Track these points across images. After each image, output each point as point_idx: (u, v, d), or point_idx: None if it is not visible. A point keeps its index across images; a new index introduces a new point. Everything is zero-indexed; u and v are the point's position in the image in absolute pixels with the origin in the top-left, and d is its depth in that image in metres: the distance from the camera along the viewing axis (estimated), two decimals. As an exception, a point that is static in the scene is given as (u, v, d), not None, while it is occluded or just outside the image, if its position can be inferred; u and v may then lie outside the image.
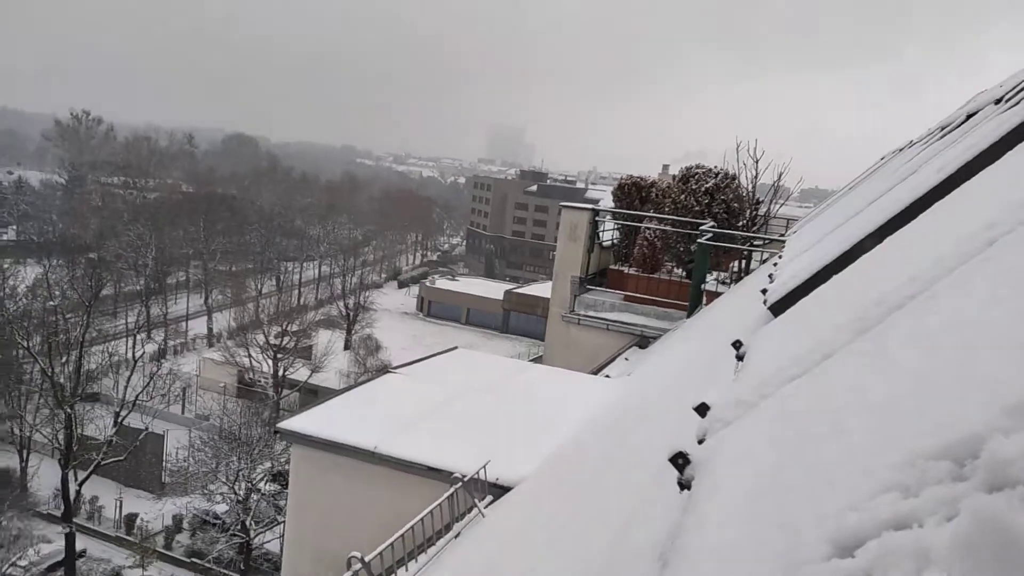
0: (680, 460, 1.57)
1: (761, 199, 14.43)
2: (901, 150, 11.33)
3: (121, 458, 33.37)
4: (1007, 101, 4.62)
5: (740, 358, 2.85)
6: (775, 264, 6.69)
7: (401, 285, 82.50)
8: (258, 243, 72.94)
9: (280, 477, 29.51)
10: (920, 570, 0.63)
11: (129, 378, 36.43)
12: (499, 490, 6.09)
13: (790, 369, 1.83)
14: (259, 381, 44.58)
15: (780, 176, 14.78)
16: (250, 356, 44.48)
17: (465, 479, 5.65)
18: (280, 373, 43.98)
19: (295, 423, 7.30)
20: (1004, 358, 0.90)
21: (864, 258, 2.83)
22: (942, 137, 5.86)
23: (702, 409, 1.97)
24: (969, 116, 5.45)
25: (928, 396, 0.96)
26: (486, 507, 5.87)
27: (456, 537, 5.58)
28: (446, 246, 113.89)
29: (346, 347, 53.90)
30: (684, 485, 1.55)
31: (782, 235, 12.51)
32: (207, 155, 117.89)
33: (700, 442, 1.77)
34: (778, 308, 3.66)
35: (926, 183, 3.53)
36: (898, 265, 2.06)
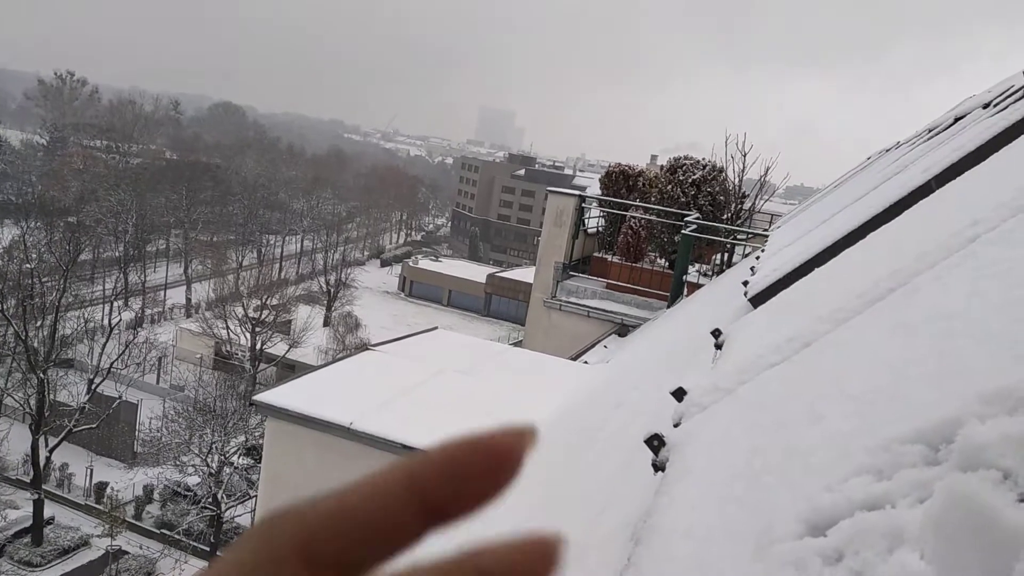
0: (655, 442, 1.57)
1: (747, 193, 14.49)
2: (888, 150, 11.41)
3: (93, 426, 33.08)
4: (995, 106, 4.66)
5: (719, 347, 2.86)
6: (757, 258, 6.72)
7: (384, 264, 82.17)
8: (240, 214, 72.21)
9: (254, 451, 29.43)
10: (892, 549, 0.64)
11: (104, 345, 36.05)
12: (474, 471, 6.11)
13: (769, 357, 1.84)
14: (236, 354, 44.31)
15: (767, 171, 14.84)
16: (228, 328, 44.17)
17: (439, 458, 5.66)
18: (258, 347, 43.73)
19: (271, 396, 7.27)
20: (982, 348, 0.90)
21: (846, 253, 2.84)
22: (929, 139, 5.91)
23: (679, 394, 1.97)
24: (957, 119, 5.49)
25: (905, 384, 0.96)
26: (460, 487, 5.88)
27: (428, 516, 5.59)
28: (431, 226, 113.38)
29: (326, 324, 53.70)
30: (659, 467, 1.56)
31: (766, 230, 12.58)
32: (192, 122, 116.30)
33: (676, 426, 1.78)
34: (759, 300, 3.67)
35: (911, 182, 3.55)
36: (881, 260, 2.07)
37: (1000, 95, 4.73)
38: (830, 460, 0.89)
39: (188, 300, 58.67)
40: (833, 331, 1.62)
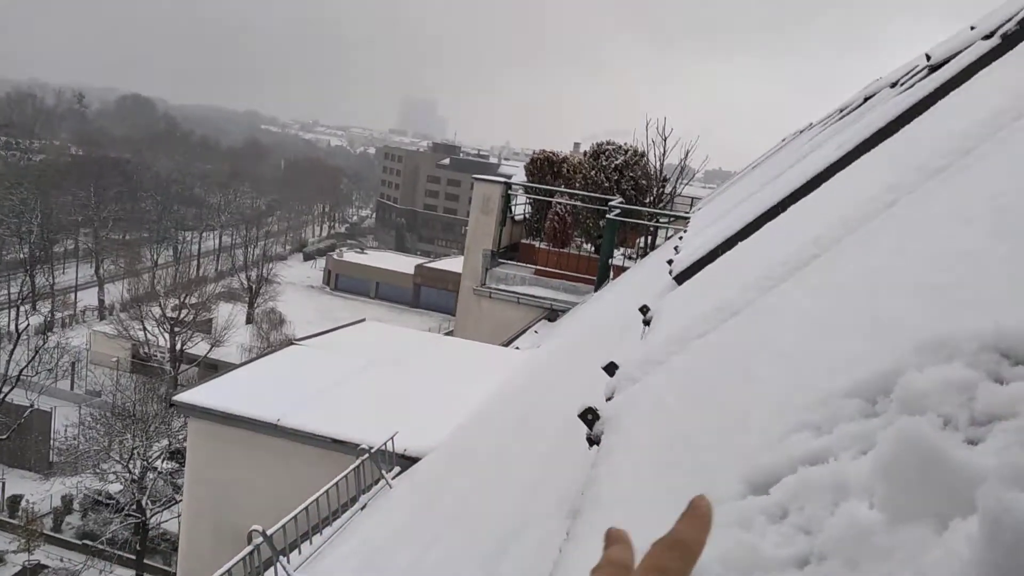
0: (590, 416, 1.55)
1: (667, 177, 14.75)
2: (802, 132, 11.78)
3: (3, 437, 31.35)
4: (902, 85, 4.84)
5: (647, 322, 2.87)
6: (680, 238, 6.84)
7: (307, 257, 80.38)
8: (154, 211, 69.37)
9: (178, 455, 28.43)
10: (838, 501, 0.62)
11: (12, 352, 34.15)
12: (407, 461, 6.03)
13: (697, 327, 1.84)
14: (155, 356, 42.70)
15: (687, 154, 15.13)
16: (145, 329, 42.51)
17: (372, 450, 5.56)
18: (178, 347, 42.25)
19: (193, 395, 7.00)
20: (913, 302, 0.90)
21: (769, 226, 2.89)
22: (841, 118, 6.10)
23: (611, 368, 1.96)
24: (866, 99, 5.68)
25: (837, 340, 0.96)
26: (394, 478, 5.80)
27: (363, 509, 5.49)
28: (355, 218, 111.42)
29: (248, 321, 52.30)
30: (593, 441, 1.54)
31: (687, 213, 12.84)
32: (99, 116, 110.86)
33: (609, 400, 1.76)
34: (683, 277, 3.72)
35: (827, 158, 3.65)
36: (803, 229, 2.10)
37: (906, 75, 4.91)
38: (767, 419, 0.87)
39: (101, 302, 56.13)
40: (760, 298, 1.62)
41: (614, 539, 0.50)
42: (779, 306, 1.39)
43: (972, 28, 4.69)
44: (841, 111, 7.01)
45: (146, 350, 42.81)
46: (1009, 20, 3.32)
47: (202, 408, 6.79)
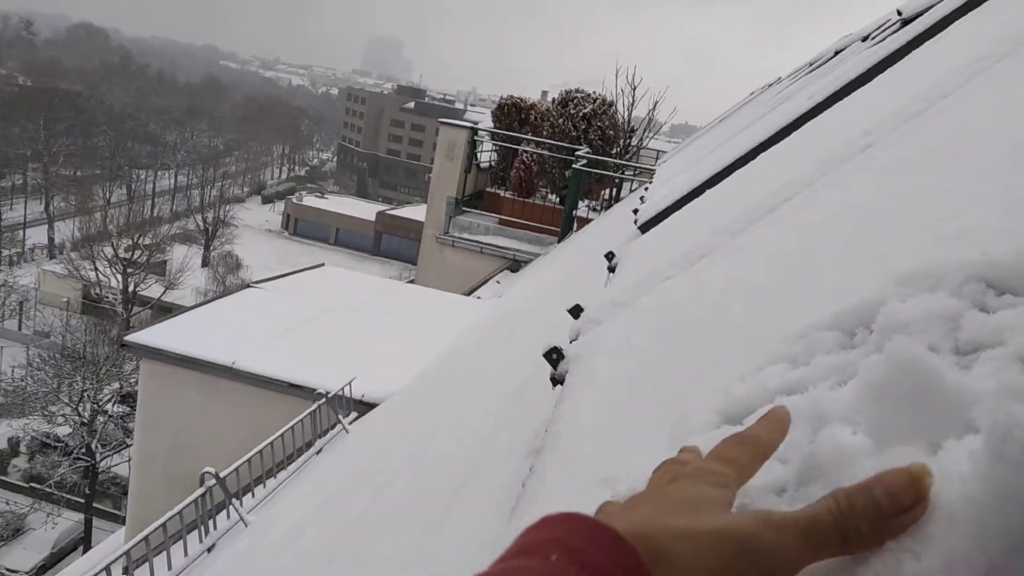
0: (554, 355, 1.53)
1: (635, 128, 14.68)
2: (770, 86, 11.77)
3: (-54, 375, 30.60)
4: (873, 39, 4.83)
5: (612, 269, 2.86)
6: (646, 189, 6.82)
7: (265, 201, 78.76)
8: (107, 147, 67.04)
9: (129, 398, 28.05)
10: (817, 430, 0.60)
11: (-45, 289, 33.07)
12: (365, 407, 6.02)
13: (665, 271, 1.82)
14: (107, 297, 41.80)
15: (655, 105, 15.05)
16: (97, 270, 41.50)
17: (329, 395, 5.53)
18: (130, 289, 41.38)
19: (145, 336, 6.86)
20: (893, 235, 0.88)
21: (738, 173, 2.87)
22: (811, 72, 6.09)
23: (576, 311, 1.93)
24: (837, 52, 5.67)
25: (814, 274, 0.93)
26: (351, 423, 5.79)
27: (318, 453, 5.48)
28: (315, 161, 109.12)
29: (204, 264, 51.36)
30: (558, 380, 1.51)
31: (653, 166, 12.82)
32: (48, 45, 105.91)
33: (573, 341, 1.74)
34: (649, 226, 3.70)
35: (798, 108, 3.63)
36: (774, 174, 2.08)
37: (877, 29, 4.90)
38: (741, 352, 0.85)
39: (51, 240, 54.48)
40: (731, 240, 1.60)
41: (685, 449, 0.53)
42: (752, 246, 1.36)
43: (944, -15, 4.68)
44: (811, 65, 7.00)
45: (97, 291, 41.88)
46: (984, -25, 3.31)
47: (155, 349, 6.67)
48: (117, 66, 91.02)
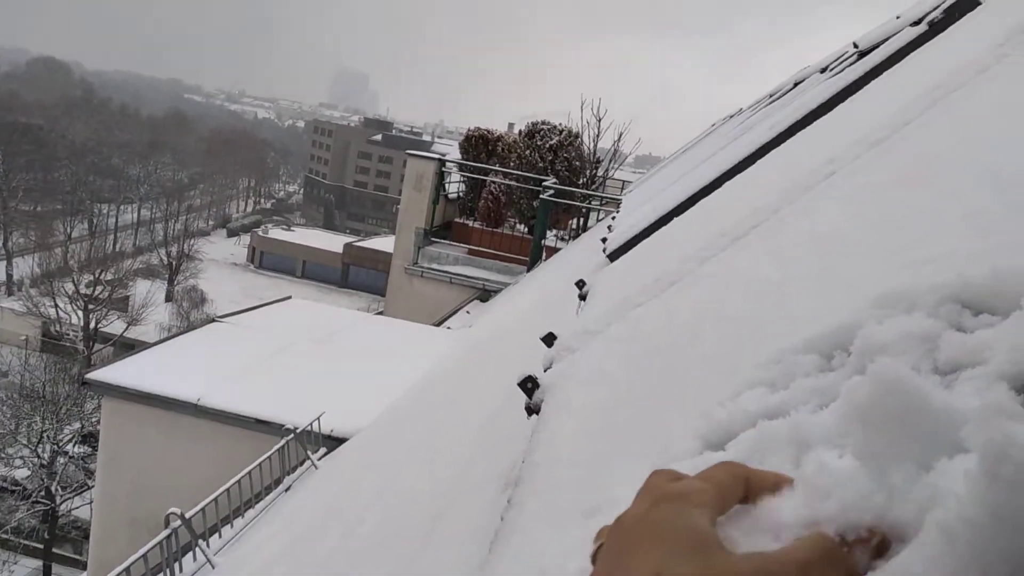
0: (529, 384, 1.51)
1: (601, 159, 14.85)
2: (731, 117, 12.01)
3: None
4: (832, 70, 4.96)
5: (583, 297, 2.86)
6: (613, 218, 6.88)
7: (231, 234, 77.93)
8: (68, 181, 65.97)
9: (91, 438, 27.28)
10: (800, 454, 0.59)
11: (-93, 328, 32.05)
12: (334, 442, 5.92)
13: (636, 298, 1.82)
14: (67, 334, 40.83)
15: (620, 136, 15.26)
16: (57, 307, 40.58)
17: (297, 431, 5.43)
18: (92, 326, 40.49)
19: (107, 373, 6.70)
20: (864, 261, 0.89)
21: (704, 201, 2.91)
22: (772, 103, 6.23)
23: (549, 339, 1.92)
24: (796, 84, 5.81)
25: (787, 300, 0.94)
26: (319, 459, 5.68)
27: (287, 491, 5.36)
28: (282, 194, 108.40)
29: (168, 299, 50.52)
30: (533, 410, 1.50)
31: (619, 196, 12.96)
32: (8, 79, 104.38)
33: (547, 370, 1.72)
34: (618, 254, 3.72)
35: (760, 139, 3.70)
36: (741, 202, 2.11)
37: (836, 61, 5.03)
38: (716, 377, 0.84)
39: (9, 276, 53.21)
40: (700, 267, 1.61)
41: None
42: (722, 273, 1.37)
43: (898, 17, 4.84)
44: (771, 96, 7.16)
45: (57, 328, 40.90)
46: (935, 8, 3.42)
47: (117, 386, 6.51)
48: (79, 100, 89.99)
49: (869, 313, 0.72)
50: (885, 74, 2.79)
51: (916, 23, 3.54)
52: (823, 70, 5.13)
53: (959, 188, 0.89)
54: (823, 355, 0.76)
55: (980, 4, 3.13)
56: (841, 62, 4.71)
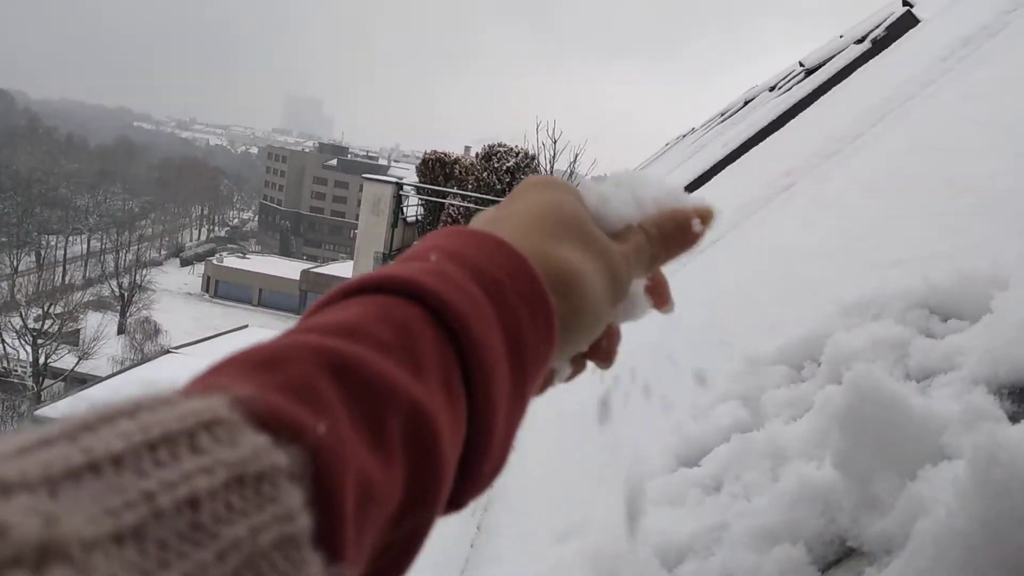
0: (495, 406, 1.49)
1: (558, 180, 14.97)
2: (684, 136, 12.21)
3: None
4: (780, 88, 5.07)
5: (547, 316, 2.85)
6: (573, 238, 6.91)
7: (184, 263, 76.39)
8: (13, 213, 64.10)
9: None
10: (776, 467, 0.58)
11: None
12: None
13: (601, 315, 1.82)
14: (15, 371, 39.47)
15: (576, 158, 15.40)
16: (3, 342, 39.25)
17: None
18: (41, 361, 39.23)
19: (58, 409, 6.48)
20: (828, 268, 0.89)
21: (663, 218, 2.93)
22: (723, 121, 6.34)
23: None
24: (747, 102, 5.92)
25: (753, 311, 0.93)
26: (281, 488, 5.57)
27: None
28: (236, 221, 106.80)
29: (120, 331, 49.22)
30: (500, 431, 1.47)
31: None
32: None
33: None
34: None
35: (714, 157, 3.75)
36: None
37: (783, 79, 5.15)
38: (689, 392, 0.83)
39: (-50, 312, 51.36)
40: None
41: None
42: (686, 287, 1.37)
43: (841, 36, 4.98)
44: (722, 115, 7.29)
45: (4, 365, 39.53)
46: (877, 27, 3.53)
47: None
48: (23, 129, 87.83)
49: (837, 321, 0.72)
50: (833, 90, 2.86)
51: (860, 41, 3.64)
52: (772, 88, 5.25)
53: (916, 195, 0.90)
54: (792, 366, 0.76)
55: (920, 22, 3.23)
56: (789, 80, 4.82)
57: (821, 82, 3.29)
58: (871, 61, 3.02)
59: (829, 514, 0.45)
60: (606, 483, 0.72)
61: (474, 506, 1.39)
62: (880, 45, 3.26)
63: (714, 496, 0.61)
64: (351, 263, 12.73)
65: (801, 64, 4.98)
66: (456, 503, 0.35)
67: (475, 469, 0.34)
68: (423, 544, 0.32)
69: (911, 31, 3.06)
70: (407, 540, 0.32)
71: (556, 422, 1.15)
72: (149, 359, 7.82)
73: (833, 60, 3.71)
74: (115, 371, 7.70)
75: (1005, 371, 0.48)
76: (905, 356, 0.59)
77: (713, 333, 0.98)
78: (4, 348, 39.21)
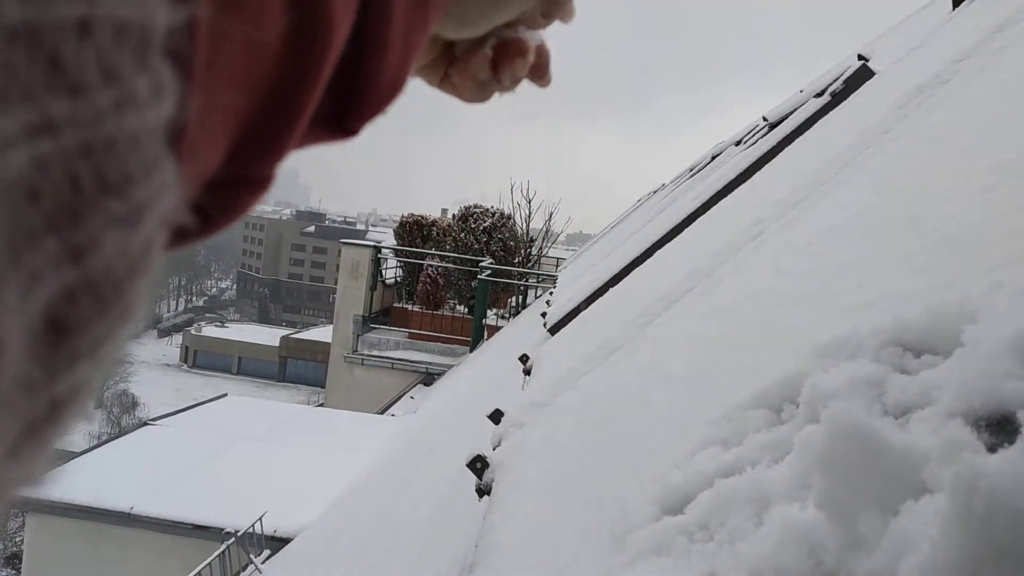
0: (479, 464, 1.46)
1: (534, 238, 15.11)
2: (655, 192, 12.42)
3: None
4: (746, 143, 5.21)
5: (528, 372, 2.83)
6: (551, 294, 6.94)
7: (162, 334, 75.57)
8: (-15, 291, 63.42)
9: (15, 560, 25.40)
10: (761, 511, 0.57)
11: None
12: (278, 543, 5.65)
13: (581, 368, 1.81)
14: (-15, 450, 38.47)
15: (551, 216, 15.59)
16: (-27, 421, 38.38)
17: (238, 534, 5.18)
18: (13, 439, 38.34)
19: (31, 487, 6.29)
20: (802, 312, 0.90)
21: (638, 271, 2.96)
22: (692, 176, 6.48)
23: (496, 416, 1.88)
24: (714, 157, 6.06)
25: (732, 356, 0.94)
26: (263, 562, 5.40)
27: (228, 599, 5.06)
28: (214, 290, 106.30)
29: (97, 405, 48.31)
30: (484, 491, 1.45)
31: (554, 272, 13.14)
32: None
33: (496, 448, 1.68)
34: (559, 327, 3.73)
35: (685, 210, 3.82)
36: (674, 268, 2.15)
37: (748, 134, 5.29)
38: (670, 440, 0.83)
39: (-82, 393, 50.16)
40: (642, 332, 1.62)
41: None
42: (664, 335, 1.37)
43: (801, 91, 5.15)
44: (691, 170, 7.46)
45: (-26, 445, 38.55)
46: (835, 80, 3.66)
47: (41, 501, 6.10)
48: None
49: (813, 363, 0.72)
50: (796, 142, 2.94)
51: (819, 94, 3.77)
52: (738, 143, 5.38)
53: (882, 237, 0.92)
54: (772, 408, 0.76)
55: (875, 74, 3.35)
56: (754, 134, 4.95)
57: (785, 135, 3.38)
58: (831, 113, 3.11)
59: (816, 556, 0.44)
60: (591, 537, 0.71)
61: (459, 568, 1.36)
62: (839, 97, 3.37)
63: (700, 544, 0.60)
64: (330, 327, 12.65)
65: (765, 119, 5.12)
66: (344, 120, 0.29)
67: (369, 70, 0.27)
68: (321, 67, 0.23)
69: (868, 83, 3.16)
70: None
71: (541, 478, 1.13)
72: (126, 432, 7.65)
73: (795, 113, 3.82)
74: (91, 446, 7.49)
75: (980, 403, 0.48)
76: (882, 393, 0.59)
77: (693, 380, 0.98)
78: (-26, 428, 38.27)
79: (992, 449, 0.40)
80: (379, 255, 12.27)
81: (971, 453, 0.38)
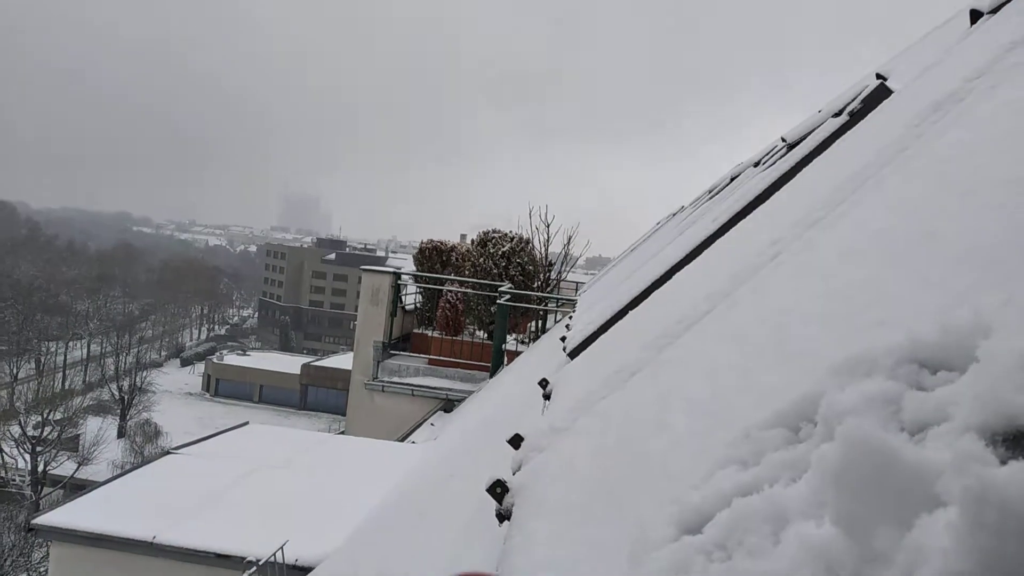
0: (499, 489, 1.46)
1: (553, 262, 15.12)
2: (675, 214, 12.41)
3: None
4: (764, 164, 5.21)
5: (547, 396, 2.83)
6: (570, 317, 6.93)
7: (185, 363, 76.20)
8: (14, 321, 64.40)
9: (38, 590, 25.48)
10: (778, 530, 0.57)
11: None
12: (300, 572, 5.64)
13: (600, 391, 1.81)
14: (13, 480, 38.79)
15: (569, 240, 15.60)
16: (2, 451, 38.73)
17: (260, 563, 5.17)
18: (40, 468, 38.61)
19: (55, 517, 6.33)
20: (818, 331, 0.90)
21: (656, 293, 2.95)
22: (712, 197, 6.48)
23: (516, 441, 1.89)
24: (733, 179, 6.06)
25: (749, 377, 0.94)
26: (285, 590, 5.39)
27: (251, 628, 5.04)
28: (236, 319, 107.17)
29: (120, 435, 48.66)
30: (504, 516, 1.45)
31: (573, 297, 13.13)
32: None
33: (516, 472, 1.68)
34: (578, 351, 3.73)
35: (705, 231, 3.82)
36: (692, 289, 2.14)
37: (767, 155, 5.29)
38: (689, 461, 0.83)
39: (-52, 424, 50.79)
40: (660, 355, 1.62)
41: None
42: (683, 357, 1.38)
43: (819, 111, 5.15)
44: (710, 192, 7.46)
45: (3, 474, 38.87)
46: (853, 100, 3.66)
47: (66, 530, 6.14)
48: (24, 239, 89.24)
49: (830, 381, 0.72)
50: (814, 162, 2.93)
51: (837, 114, 3.77)
52: (756, 164, 5.38)
53: (898, 255, 0.92)
54: (790, 428, 0.76)
55: (892, 92, 3.35)
56: (772, 155, 4.95)
57: (803, 155, 3.38)
58: (849, 132, 3.11)
59: (832, 572, 0.44)
60: (611, 558, 0.71)
61: (481, 594, 1.35)
62: (857, 116, 3.37)
63: (718, 563, 0.61)
64: (351, 354, 12.70)
65: (783, 139, 5.12)
66: None
67: None
68: None
69: (885, 102, 3.16)
70: None
71: (562, 502, 1.14)
72: (149, 461, 7.70)
73: (813, 134, 3.82)
74: (114, 475, 7.55)
75: (995, 418, 0.48)
76: (899, 411, 0.60)
77: (711, 401, 0.98)
78: (3, 458, 38.63)
79: (1004, 462, 0.40)
80: (399, 281, 12.33)
81: (982, 466, 0.38)
